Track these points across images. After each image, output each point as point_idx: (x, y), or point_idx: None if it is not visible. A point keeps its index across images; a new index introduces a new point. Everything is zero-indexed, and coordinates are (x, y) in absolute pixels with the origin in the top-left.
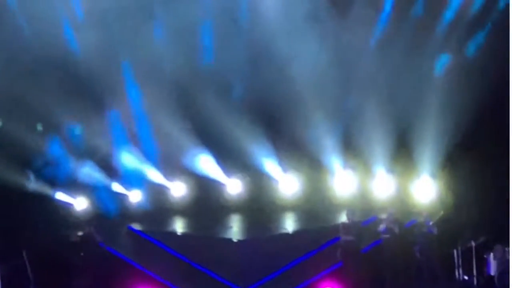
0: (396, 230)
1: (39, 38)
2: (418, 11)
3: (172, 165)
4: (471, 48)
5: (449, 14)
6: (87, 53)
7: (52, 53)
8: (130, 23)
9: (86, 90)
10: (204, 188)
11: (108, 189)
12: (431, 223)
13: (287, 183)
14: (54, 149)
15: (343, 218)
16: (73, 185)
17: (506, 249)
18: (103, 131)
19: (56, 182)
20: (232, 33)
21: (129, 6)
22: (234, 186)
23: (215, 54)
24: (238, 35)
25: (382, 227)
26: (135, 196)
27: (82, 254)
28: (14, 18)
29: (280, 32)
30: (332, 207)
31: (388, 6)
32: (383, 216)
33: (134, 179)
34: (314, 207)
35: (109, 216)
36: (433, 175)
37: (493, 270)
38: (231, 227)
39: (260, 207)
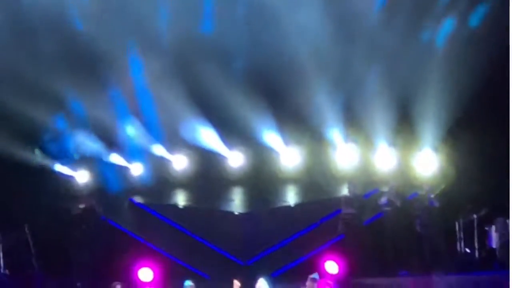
0: (398, 203)
1: (41, 13)
2: None
3: (173, 137)
4: (474, 19)
5: None
6: (88, 26)
7: (54, 26)
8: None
9: (88, 63)
10: (206, 161)
11: (109, 162)
12: (432, 196)
13: (288, 156)
14: (56, 122)
15: (344, 190)
16: (74, 158)
17: (507, 221)
18: (105, 104)
19: (58, 155)
20: (233, 1)
21: None
22: (235, 159)
23: (215, 23)
24: (239, 4)
25: (383, 199)
26: (136, 169)
27: (83, 227)
28: None
29: (286, 7)
30: (333, 180)
31: None
32: (385, 189)
33: (135, 152)
34: (315, 180)
35: (111, 189)
36: (435, 148)
37: (494, 243)
38: (232, 200)
39: (261, 179)
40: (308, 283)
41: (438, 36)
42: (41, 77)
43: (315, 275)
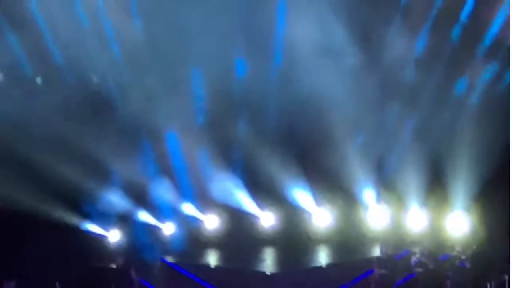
0: (430, 264)
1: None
2: (455, 39)
3: (205, 197)
4: (505, 81)
5: (487, 42)
6: (120, 88)
7: (88, 91)
8: (162, 54)
9: (121, 124)
10: (238, 221)
11: (141, 222)
12: (464, 257)
13: (320, 216)
14: (89, 182)
15: (376, 251)
16: (107, 218)
17: None
18: (137, 164)
19: (91, 215)
20: (267, 67)
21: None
22: (267, 219)
23: (247, 84)
24: (273, 69)
25: (415, 260)
26: (168, 229)
27: (115, 286)
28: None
29: (316, 69)
30: (365, 241)
31: (425, 33)
32: (417, 249)
33: (167, 212)
34: (347, 240)
35: (142, 248)
36: (466, 209)
37: None
38: (264, 260)
39: (293, 240)
40: None
41: (472, 93)
42: (75, 137)
43: None
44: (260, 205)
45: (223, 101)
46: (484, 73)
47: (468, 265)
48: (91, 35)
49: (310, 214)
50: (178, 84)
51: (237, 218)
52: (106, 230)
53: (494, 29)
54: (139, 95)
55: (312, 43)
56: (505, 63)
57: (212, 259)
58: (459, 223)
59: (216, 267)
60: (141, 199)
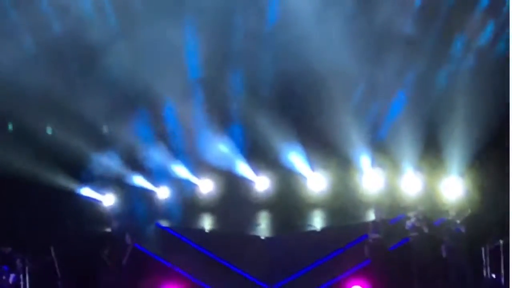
0: (424, 228)
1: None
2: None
3: (200, 161)
4: (502, 44)
5: (484, 3)
6: (116, 52)
7: (84, 53)
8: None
9: (116, 88)
10: (232, 185)
11: (136, 186)
12: (459, 221)
13: (315, 181)
14: (84, 146)
15: (371, 216)
16: (102, 182)
17: None
18: (131, 127)
19: (85, 179)
20: (261, 26)
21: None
22: (262, 183)
23: (243, 48)
24: (267, 28)
25: (410, 225)
26: (163, 193)
27: (109, 250)
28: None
29: (311, 27)
30: (360, 205)
31: None
32: (411, 214)
33: (162, 176)
34: (342, 205)
35: (137, 212)
36: (461, 173)
37: None
38: (259, 225)
39: (288, 204)
40: None
41: (469, 55)
42: (68, 101)
43: None
44: (255, 169)
45: (218, 68)
46: (482, 34)
47: (463, 229)
48: None
49: (305, 178)
50: (172, 42)
51: (231, 182)
52: (101, 194)
53: None
54: (131, 54)
55: (310, 10)
56: (502, 24)
57: (206, 223)
58: (454, 188)
59: (211, 231)
60: (136, 163)
